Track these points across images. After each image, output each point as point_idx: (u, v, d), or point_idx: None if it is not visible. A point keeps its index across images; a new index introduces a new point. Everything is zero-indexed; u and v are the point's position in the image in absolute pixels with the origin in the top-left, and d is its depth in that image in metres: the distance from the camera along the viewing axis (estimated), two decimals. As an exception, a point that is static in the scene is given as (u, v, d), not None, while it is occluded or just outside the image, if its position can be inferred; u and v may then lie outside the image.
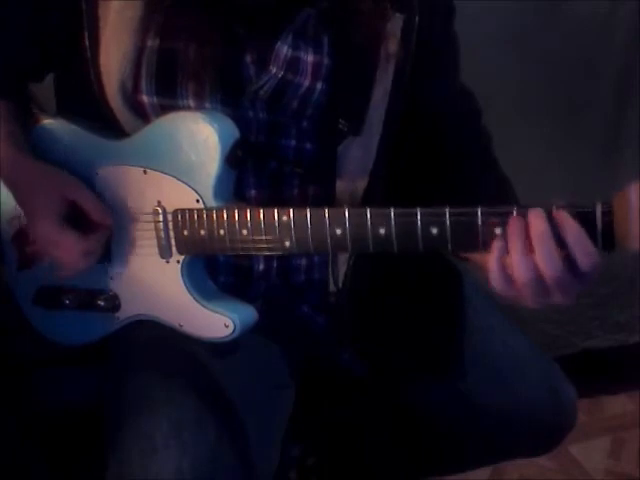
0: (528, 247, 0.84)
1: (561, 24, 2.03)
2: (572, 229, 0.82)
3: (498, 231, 0.85)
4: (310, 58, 1.04)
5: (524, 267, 0.84)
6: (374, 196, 1.06)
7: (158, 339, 1.05)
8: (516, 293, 0.87)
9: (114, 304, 1.07)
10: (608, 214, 0.81)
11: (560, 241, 0.83)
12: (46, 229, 0.99)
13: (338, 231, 0.92)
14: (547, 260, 0.83)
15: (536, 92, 2.07)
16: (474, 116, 1.19)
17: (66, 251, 1.00)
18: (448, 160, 1.12)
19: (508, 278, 0.86)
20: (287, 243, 0.95)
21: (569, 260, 0.83)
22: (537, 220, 0.83)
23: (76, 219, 1.00)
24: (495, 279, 0.86)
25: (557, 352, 1.80)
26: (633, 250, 0.79)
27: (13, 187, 1.04)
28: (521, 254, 0.84)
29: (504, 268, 0.86)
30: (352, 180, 1.06)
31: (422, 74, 1.06)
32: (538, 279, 0.84)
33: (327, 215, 0.92)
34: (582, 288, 0.86)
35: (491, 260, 0.86)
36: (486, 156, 1.17)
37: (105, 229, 1.02)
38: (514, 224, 0.84)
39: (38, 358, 1.15)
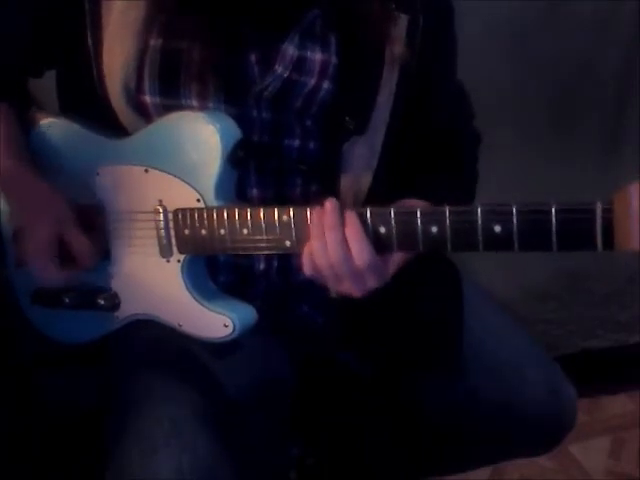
0: (322, 235, 0.93)
1: (561, 24, 2.03)
2: (351, 226, 0.91)
3: (498, 229, 0.85)
4: (318, 57, 1.03)
5: (320, 253, 0.93)
6: (378, 194, 1.06)
7: (158, 339, 1.05)
8: (319, 276, 0.95)
9: (114, 303, 1.07)
10: (608, 212, 0.80)
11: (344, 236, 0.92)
12: (30, 248, 0.99)
13: None
14: (332, 248, 0.92)
15: (536, 92, 2.07)
16: (466, 118, 1.19)
17: (43, 272, 1.00)
18: (435, 158, 1.13)
19: (313, 263, 0.94)
20: (288, 243, 0.95)
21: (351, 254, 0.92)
22: (329, 211, 0.92)
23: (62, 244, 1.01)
24: (304, 264, 0.95)
25: (557, 352, 1.79)
26: (633, 249, 0.79)
27: (9, 196, 1.04)
28: (318, 240, 0.93)
29: (310, 254, 0.94)
30: (356, 178, 1.06)
31: (424, 74, 1.06)
32: (329, 265, 0.93)
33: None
34: (369, 285, 0.95)
35: (306, 246, 0.95)
36: (469, 160, 1.19)
37: (86, 267, 1.02)
38: (315, 214, 0.93)
39: (38, 358, 1.15)
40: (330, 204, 0.92)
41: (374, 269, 0.93)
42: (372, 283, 0.95)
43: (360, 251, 0.91)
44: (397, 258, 0.96)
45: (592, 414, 1.94)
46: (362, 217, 0.91)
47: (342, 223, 0.92)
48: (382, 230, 0.91)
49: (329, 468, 1.37)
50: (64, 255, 1.01)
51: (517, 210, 0.85)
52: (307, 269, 0.95)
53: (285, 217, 0.94)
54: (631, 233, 0.79)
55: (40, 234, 0.99)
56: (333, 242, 0.92)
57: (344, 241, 0.92)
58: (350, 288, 0.95)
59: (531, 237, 0.85)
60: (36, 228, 1.00)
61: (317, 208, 0.93)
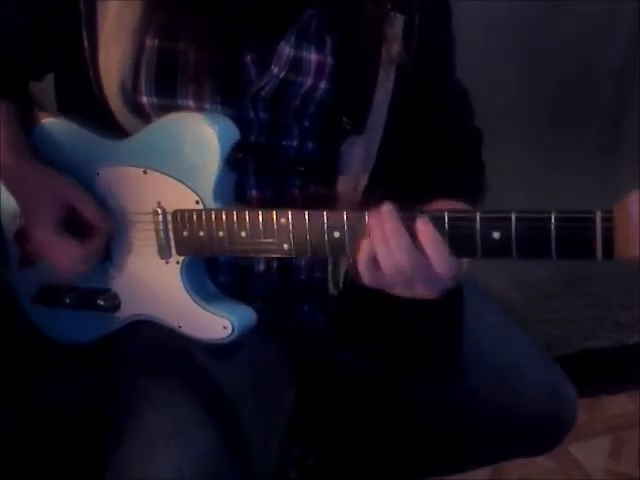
0: (387, 240, 0.88)
1: (561, 24, 2.03)
2: (425, 232, 0.87)
3: (497, 236, 0.85)
4: (314, 57, 1.03)
5: (387, 260, 0.89)
6: (375, 194, 1.06)
7: (158, 339, 1.05)
8: (383, 283, 0.91)
9: (114, 304, 1.07)
10: (608, 221, 0.79)
11: (418, 244, 0.87)
12: (44, 235, 0.99)
13: (336, 234, 0.91)
14: (398, 254, 0.88)
15: (536, 92, 2.08)
16: (466, 117, 1.19)
17: (63, 257, 1.00)
18: (435, 158, 1.13)
19: (375, 270, 0.90)
20: (286, 246, 0.94)
21: (423, 257, 0.88)
22: (388, 217, 0.88)
23: (75, 223, 1.01)
24: (364, 270, 0.91)
25: (557, 352, 1.79)
26: (633, 257, 0.78)
27: (13, 191, 1.04)
28: (382, 247, 0.88)
29: (372, 260, 0.90)
30: (353, 178, 1.06)
31: (422, 74, 1.06)
32: (398, 271, 0.88)
33: (325, 218, 0.91)
34: (445, 285, 0.91)
35: (361, 252, 0.90)
36: (470, 158, 1.18)
37: (104, 233, 1.02)
38: (373, 219, 0.89)
39: (39, 358, 1.16)
40: (387, 209, 0.88)
41: (453, 269, 0.88)
42: (443, 283, 0.91)
43: (441, 255, 0.87)
44: None
45: (592, 414, 1.94)
46: (438, 220, 0.87)
47: (404, 226, 0.87)
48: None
49: (329, 468, 1.37)
50: (78, 235, 1.00)
51: (516, 217, 0.83)
52: (366, 279, 0.91)
53: (283, 220, 0.93)
54: (631, 241, 0.78)
55: (48, 212, 0.99)
56: (399, 248, 0.87)
57: (412, 244, 0.87)
58: (425, 290, 0.91)
59: (530, 245, 0.84)
60: (42, 207, 1.00)
61: (373, 215, 0.89)
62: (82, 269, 1.03)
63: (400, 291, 0.92)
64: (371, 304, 1.04)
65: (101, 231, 1.02)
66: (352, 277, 0.94)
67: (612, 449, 1.86)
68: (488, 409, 1.13)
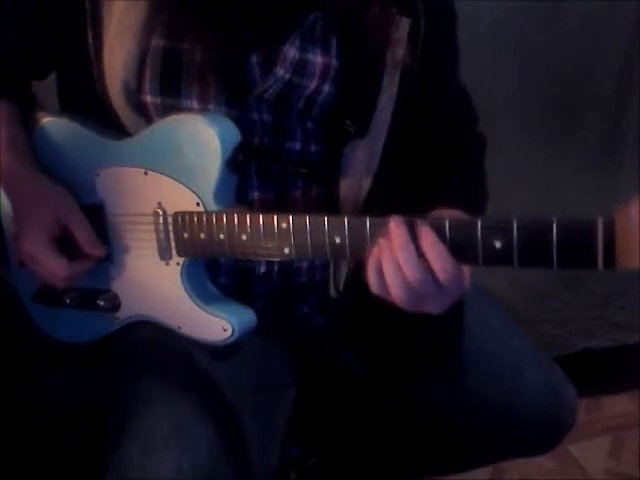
0: (395, 255, 0.86)
1: (561, 24, 2.04)
2: (427, 239, 0.85)
3: (498, 245, 0.84)
4: (319, 59, 1.03)
5: (393, 275, 0.87)
6: (378, 197, 1.06)
7: (158, 340, 1.05)
8: (391, 298, 0.89)
9: (114, 304, 1.07)
10: (609, 229, 0.78)
11: (420, 252, 0.85)
12: (33, 247, 0.99)
13: (337, 239, 0.90)
14: (407, 269, 0.86)
15: (536, 92, 2.08)
16: (469, 121, 1.19)
17: (48, 271, 1.00)
18: (438, 163, 1.12)
19: (383, 283, 0.88)
20: (286, 250, 0.93)
21: (430, 271, 0.86)
22: (398, 230, 0.86)
23: (66, 239, 1.01)
24: (372, 283, 0.89)
25: (557, 352, 1.79)
26: (634, 268, 0.77)
27: (10, 195, 1.05)
28: (388, 263, 0.87)
29: (380, 273, 0.88)
30: (356, 181, 1.06)
31: (426, 78, 1.06)
32: (405, 286, 0.87)
33: (326, 223, 0.90)
34: (449, 299, 0.89)
35: (369, 265, 0.89)
36: (473, 164, 1.18)
37: (94, 258, 1.02)
38: (380, 234, 0.87)
39: (39, 358, 1.16)
40: (394, 224, 0.86)
41: (456, 279, 0.87)
42: (448, 297, 0.90)
43: (444, 262, 0.85)
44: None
45: (592, 414, 1.94)
46: (438, 229, 0.85)
47: (413, 240, 0.85)
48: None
49: (329, 468, 1.37)
50: (69, 251, 1.01)
51: (517, 227, 0.82)
52: (375, 288, 0.89)
53: (284, 224, 0.92)
54: (632, 250, 0.76)
55: (41, 226, 0.99)
56: (407, 263, 0.86)
57: (418, 259, 0.85)
58: (430, 307, 0.90)
59: (531, 255, 0.82)
60: (37, 220, 1.00)
61: (383, 229, 0.87)
62: (63, 285, 1.03)
63: (406, 304, 0.90)
64: (371, 306, 1.04)
65: (91, 256, 1.02)
66: (360, 279, 0.93)
67: (612, 449, 1.85)
68: (488, 409, 1.13)
